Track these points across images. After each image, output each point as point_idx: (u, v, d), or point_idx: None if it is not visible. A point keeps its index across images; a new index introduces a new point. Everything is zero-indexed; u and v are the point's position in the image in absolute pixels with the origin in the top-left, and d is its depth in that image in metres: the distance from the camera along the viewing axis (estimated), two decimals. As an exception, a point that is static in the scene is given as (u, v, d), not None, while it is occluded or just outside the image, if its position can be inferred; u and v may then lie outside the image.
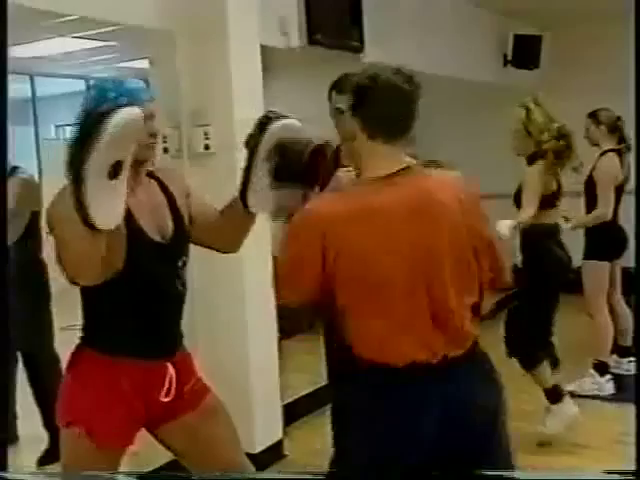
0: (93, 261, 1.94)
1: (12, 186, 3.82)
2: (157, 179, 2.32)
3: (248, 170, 2.24)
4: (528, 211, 3.96)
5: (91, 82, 2.51)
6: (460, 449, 2.01)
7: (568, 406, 4.08)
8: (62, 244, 1.96)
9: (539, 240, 4.05)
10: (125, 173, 1.94)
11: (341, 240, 1.94)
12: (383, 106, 1.99)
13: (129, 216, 2.08)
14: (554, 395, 4.08)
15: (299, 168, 2.20)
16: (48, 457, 3.89)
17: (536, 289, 4.04)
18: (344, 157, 2.19)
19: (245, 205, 2.28)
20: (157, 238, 2.21)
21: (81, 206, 1.85)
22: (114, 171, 1.90)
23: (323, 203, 2.02)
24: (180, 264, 2.29)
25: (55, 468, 3.60)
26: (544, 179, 4.02)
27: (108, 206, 1.90)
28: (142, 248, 2.14)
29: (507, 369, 4.40)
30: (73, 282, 2.00)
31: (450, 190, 2.05)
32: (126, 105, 1.94)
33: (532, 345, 4.09)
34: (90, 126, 1.85)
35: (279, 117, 2.21)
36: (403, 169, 2.00)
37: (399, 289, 1.96)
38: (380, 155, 2.00)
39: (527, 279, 3.97)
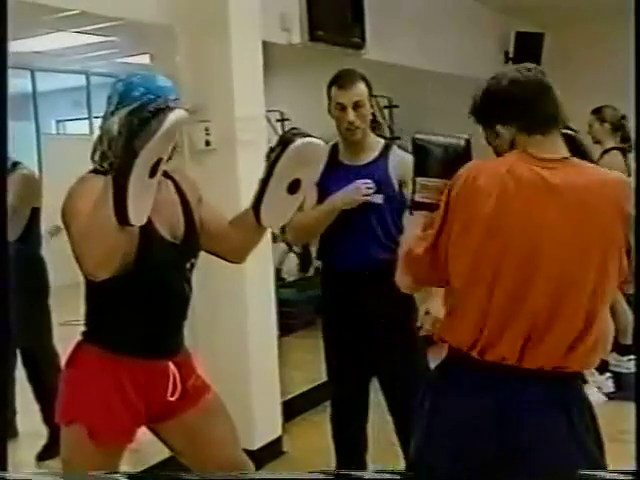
0: (116, 256, 1.93)
1: (13, 182, 3.82)
2: (172, 179, 2.31)
3: (264, 184, 2.22)
4: None
5: (121, 76, 2.49)
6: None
7: None
8: (83, 238, 1.93)
9: None
10: (160, 171, 1.95)
11: (478, 198, 1.91)
12: (531, 104, 2.00)
13: None
14: None
15: (454, 162, 2.19)
16: (47, 452, 3.90)
17: None
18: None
19: (257, 219, 2.26)
20: (168, 237, 2.20)
21: (122, 203, 1.84)
22: (154, 169, 1.90)
23: (476, 163, 2.02)
24: (188, 266, 2.28)
25: (54, 463, 3.61)
26: None
27: (141, 203, 1.90)
28: (153, 245, 2.13)
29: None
30: (91, 277, 1.98)
31: (608, 189, 1.95)
32: (153, 103, 1.94)
33: None
34: (144, 123, 1.84)
35: (302, 135, 2.19)
36: (559, 159, 1.97)
37: (498, 268, 1.90)
38: (540, 144, 1.98)
39: None
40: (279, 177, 2.19)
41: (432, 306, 3.05)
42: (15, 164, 3.98)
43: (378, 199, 3.00)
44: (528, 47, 7.46)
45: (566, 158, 1.99)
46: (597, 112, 5.06)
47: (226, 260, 2.46)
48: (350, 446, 3.30)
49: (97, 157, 2.16)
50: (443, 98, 7.34)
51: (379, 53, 5.33)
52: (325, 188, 3.00)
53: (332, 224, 3.05)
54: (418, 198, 2.15)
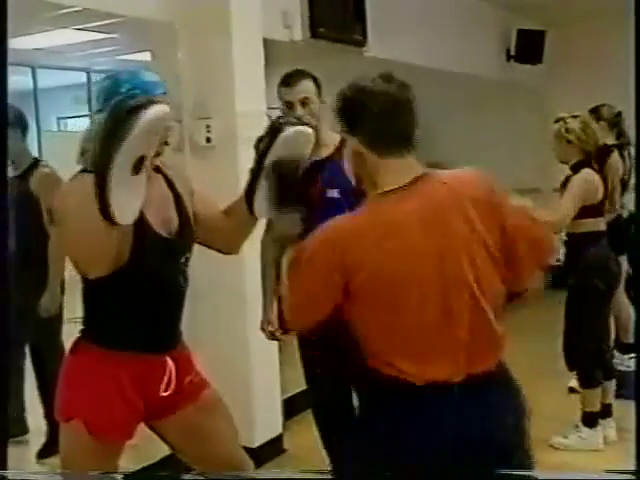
0: (106, 254, 1.94)
1: (40, 182, 3.83)
2: (164, 175, 2.31)
3: (256, 174, 2.20)
4: (562, 212, 3.81)
5: (103, 74, 2.51)
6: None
7: (597, 435, 4.02)
8: (74, 238, 1.94)
9: (585, 250, 3.96)
10: (146, 168, 1.94)
11: (358, 257, 1.85)
12: (382, 119, 1.87)
13: None
14: (590, 420, 4.02)
15: (295, 191, 2.16)
16: (47, 450, 3.90)
17: (582, 300, 3.97)
18: (353, 175, 2.04)
19: (250, 209, 2.25)
20: (162, 232, 2.20)
21: (104, 200, 1.84)
22: (137, 166, 1.89)
23: (336, 222, 1.94)
24: (183, 260, 2.28)
25: (54, 461, 3.61)
26: (591, 187, 3.90)
27: (128, 201, 1.90)
28: (147, 241, 2.13)
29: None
30: (85, 275, 2.00)
31: (465, 189, 1.95)
32: (134, 99, 1.93)
33: (591, 363, 4.02)
34: (121, 119, 1.84)
35: (291, 123, 2.18)
36: (416, 179, 1.91)
37: (418, 302, 1.87)
38: (393, 169, 1.90)
39: (573, 290, 3.99)
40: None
41: None
42: (36, 161, 3.99)
43: (334, 193, 3.03)
44: (530, 45, 7.46)
45: (424, 174, 1.93)
46: (594, 111, 5.08)
47: (220, 252, 2.46)
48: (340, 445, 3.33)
49: (83, 156, 2.15)
50: (444, 95, 7.34)
51: (380, 50, 5.33)
52: None
53: None
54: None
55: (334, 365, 3.15)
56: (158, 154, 2.15)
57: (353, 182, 2.95)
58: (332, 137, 3.15)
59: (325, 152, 3.10)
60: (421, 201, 1.89)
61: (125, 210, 1.89)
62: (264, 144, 2.18)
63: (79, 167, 2.19)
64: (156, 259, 2.18)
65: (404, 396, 1.92)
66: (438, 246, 1.88)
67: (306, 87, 3.05)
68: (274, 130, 2.17)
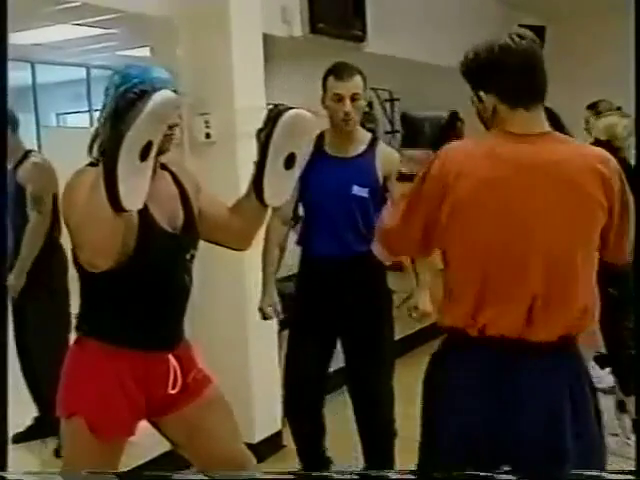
0: (114, 243, 1.93)
1: (27, 171, 3.82)
2: (170, 172, 2.30)
3: (262, 164, 2.20)
4: None
5: (102, 69, 2.51)
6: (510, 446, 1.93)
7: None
8: (82, 228, 1.93)
9: None
10: (153, 155, 1.94)
11: (452, 179, 1.91)
12: (518, 75, 1.95)
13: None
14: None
15: (439, 134, 2.18)
16: (29, 433, 3.93)
17: (622, 306, 3.80)
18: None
19: (261, 199, 2.24)
20: (168, 228, 2.20)
21: (112, 184, 1.83)
22: (145, 152, 1.89)
23: (452, 144, 2.00)
24: (188, 257, 2.28)
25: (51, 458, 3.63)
26: None
27: (135, 187, 1.89)
28: (152, 236, 2.13)
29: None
30: (91, 267, 1.98)
31: (591, 160, 1.94)
32: (140, 86, 1.95)
33: (629, 365, 3.87)
34: (130, 103, 1.84)
35: (288, 108, 2.18)
36: (539, 133, 1.95)
37: (491, 251, 1.91)
38: (519, 120, 1.95)
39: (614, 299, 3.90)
40: (275, 153, 2.17)
41: (420, 301, 3.13)
42: (27, 152, 3.98)
43: (363, 192, 3.03)
44: (529, 40, 7.45)
45: (547, 132, 1.97)
46: (592, 107, 5.06)
47: (231, 248, 2.46)
48: (307, 434, 3.40)
49: (94, 150, 2.16)
50: (444, 91, 7.33)
51: (380, 46, 5.32)
52: (306, 178, 2.98)
53: (314, 213, 3.09)
54: (403, 170, 2.18)
55: (312, 349, 3.19)
56: (164, 152, 2.14)
57: (381, 180, 2.96)
58: (365, 134, 3.17)
59: (358, 149, 3.11)
60: (526, 152, 1.91)
61: (132, 196, 1.88)
62: (265, 132, 2.18)
63: (78, 162, 2.20)
64: (161, 255, 2.18)
65: (460, 349, 1.97)
66: (518, 196, 1.89)
67: (358, 83, 3.05)
68: (273, 117, 2.17)
